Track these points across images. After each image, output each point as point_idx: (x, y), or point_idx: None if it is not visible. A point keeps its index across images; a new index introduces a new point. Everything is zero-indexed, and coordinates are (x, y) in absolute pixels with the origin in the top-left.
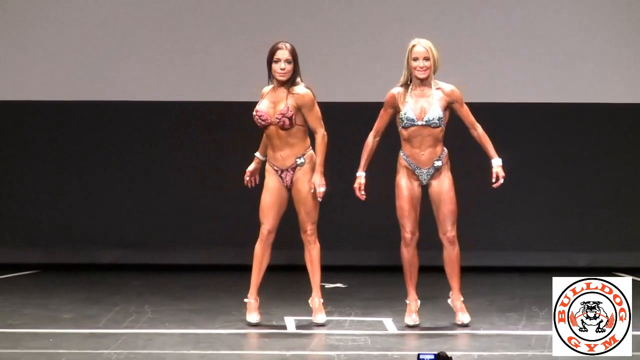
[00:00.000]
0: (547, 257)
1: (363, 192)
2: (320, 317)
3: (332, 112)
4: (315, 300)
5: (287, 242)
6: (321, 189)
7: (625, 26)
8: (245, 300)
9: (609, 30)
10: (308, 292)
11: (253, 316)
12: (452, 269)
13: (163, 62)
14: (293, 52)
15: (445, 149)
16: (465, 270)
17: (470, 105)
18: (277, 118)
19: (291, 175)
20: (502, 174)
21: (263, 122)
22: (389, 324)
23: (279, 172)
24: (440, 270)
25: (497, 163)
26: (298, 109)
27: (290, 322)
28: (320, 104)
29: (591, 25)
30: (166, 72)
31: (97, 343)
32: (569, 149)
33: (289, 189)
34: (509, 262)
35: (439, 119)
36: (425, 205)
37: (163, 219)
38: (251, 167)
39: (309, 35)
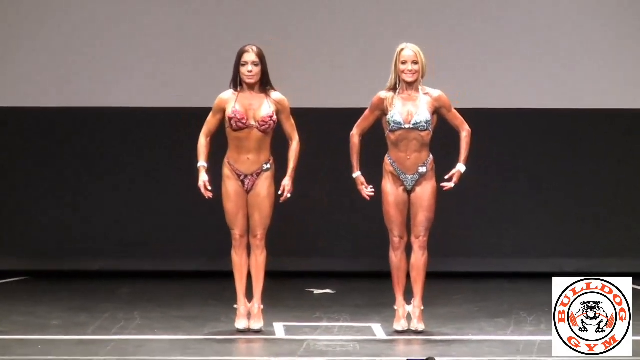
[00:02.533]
0: (534, 263)
1: (371, 188)
2: (256, 323)
3: (323, 118)
4: (255, 305)
5: (275, 248)
6: (289, 194)
7: (625, 33)
8: (235, 306)
9: (608, 35)
10: (297, 297)
11: (242, 322)
12: (418, 274)
13: (164, 69)
14: (260, 55)
15: (431, 155)
16: (453, 277)
17: (468, 111)
18: (263, 121)
19: (254, 180)
20: (455, 180)
21: (242, 125)
22: (378, 330)
23: (242, 177)
24: (429, 276)
25: (460, 168)
26: (277, 114)
27: (279, 328)
28: (313, 110)
29: (590, 30)
30: (166, 78)
31: (86, 350)
32: (563, 156)
33: (248, 192)
34: (497, 268)
35: (427, 121)
36: None
37: (152, 226)
38: (207, 178)
39: (301, 42)
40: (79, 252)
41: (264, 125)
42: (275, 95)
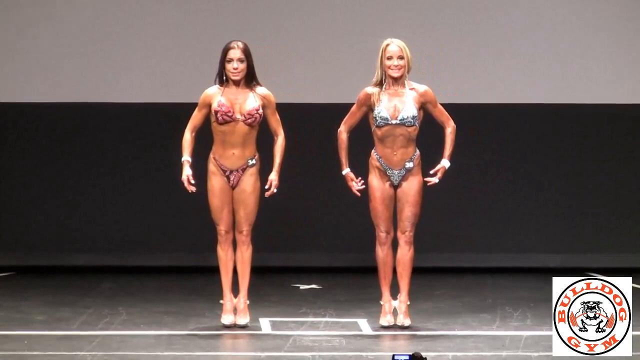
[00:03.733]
0: (518, 258)
1: (361, 182)
2: (242, 319)
3: (308, 114)
4: (241, 301)
5: (260, 244)
6: (275, 189)
7: (624, 27)
8: (221, 302)
9: (607, 31)
10: (283, 293)
11: (228, 318)
12: (404, 269)
13: (163, 65)
14: (246, 51)
15: (417, 150)
16: (439, 272)
17: (467, 107)
18: (249, 114)
19: (240, 176)
20: (439, 175)
21: (228, 118)
22: (364, 325)
23: (227, 172)
24: (415, 271)
25: (444, 164)
26: (263, 108)
27: (265, 324)
28: (303, 105)
29: (590, 25)
30: (167, 76)
31: (71, 345)
32: (561, 153)
33: (233, 188)
34: (479, 263)
35: (413, 117)
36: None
37: (135, 221)
38: (190, 172)
39: (301, 39)
40: (61, 247)
41: (249, 118)
42: (261, 90)
